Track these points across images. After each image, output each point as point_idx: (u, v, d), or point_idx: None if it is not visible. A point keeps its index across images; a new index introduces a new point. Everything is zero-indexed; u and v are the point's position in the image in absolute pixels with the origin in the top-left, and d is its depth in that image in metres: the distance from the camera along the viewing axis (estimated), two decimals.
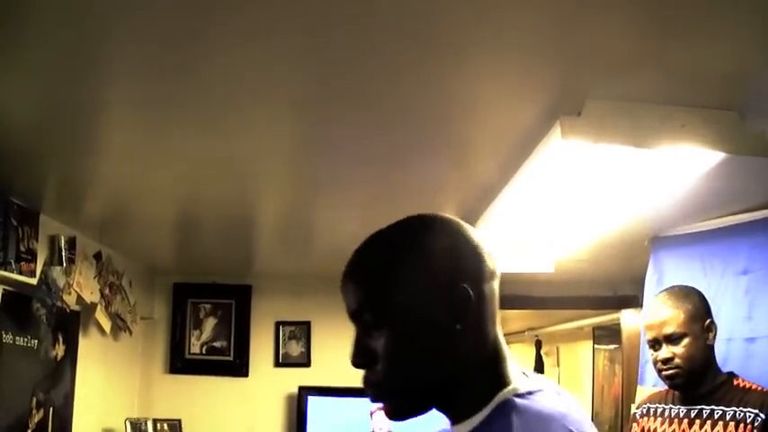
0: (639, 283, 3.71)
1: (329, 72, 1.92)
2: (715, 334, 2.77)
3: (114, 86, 2.03)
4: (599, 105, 1.98)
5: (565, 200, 2.79)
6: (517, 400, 1.23)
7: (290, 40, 1.75)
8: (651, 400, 3.03)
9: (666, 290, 2.97)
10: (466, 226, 1.34)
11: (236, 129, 2.34)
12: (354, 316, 1.32)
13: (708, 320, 2.77)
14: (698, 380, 2.74)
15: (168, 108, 2.18)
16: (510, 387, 1.25)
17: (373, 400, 1.32)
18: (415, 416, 1.31)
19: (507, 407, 1.22)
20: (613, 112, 2.00)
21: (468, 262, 1.28)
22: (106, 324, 4.37)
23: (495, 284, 1.33)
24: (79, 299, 3.93)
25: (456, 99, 2.07)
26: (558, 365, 9.84)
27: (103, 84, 2.01)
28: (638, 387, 3.65)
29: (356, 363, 1.31)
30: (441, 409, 1.33)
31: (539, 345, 9.25)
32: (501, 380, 1.27)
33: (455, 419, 1.30)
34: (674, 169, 2.36)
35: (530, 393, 1.24)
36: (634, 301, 5.41)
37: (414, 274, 1.26)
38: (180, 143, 2.51)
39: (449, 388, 1.28)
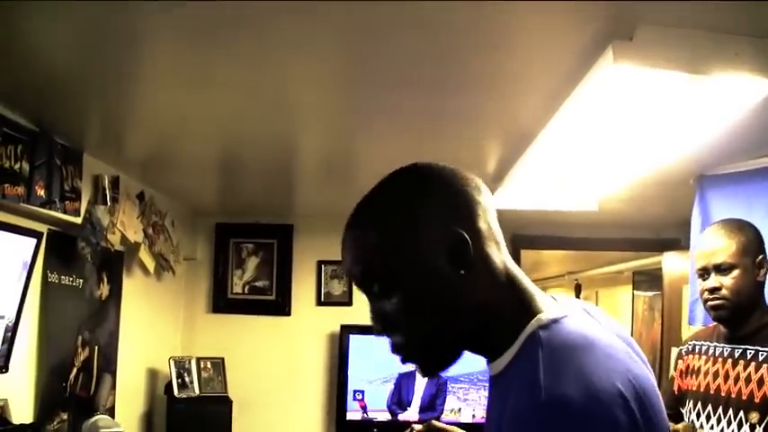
0: (682, 225, 3.70)
1: (376, 5, 1.90)
2: (766, 271, 2.73)
3: (154, 15, 2.01)
4: (652, 30, 1.94)
5: (612, 133, 2.75)
6: (541, 332, 1.21)
7: None
8: (697, 337, 3.01)
9: (721, 221, 2.92)
10: (447, 169, 1.33)
11: (279, 56, 2.31)
12: (361, 285, 1.32)
13: (761, 256, 2.72)
14: (744, 316, 2.71)
15: (209, 37, 2.17)
16: (535, 318, 1.24)
17: (404, 362, 1.32)
18: (448, 368, 1.32)
19: (533, 340, 1.21)
20: (666, 37, 1.96)
21: (457, 205, 1.28)
22: (150, 264, 4.42)
23: (491, 217, 1.31)
24: (123, 238, 3.97)
25: (503, 26, 2.04)
26: None
27: (143, 12, 1.99)
28: (689, 327, 3.63)
29: (377, 330, 1.32)
30: (474, 352, 1.33)
31: (578, 288, 9.23)
32: (527, 310, 1.26)
33: (489, 358, 1.31)
34: (726, 99, 2.32)
35: (554, 322, 1.22)
36: (676, 244, 5.37)
37: (407, 236, 1.26)
38: (221, 73, 2.50)
39: (475, 332, 1.28)
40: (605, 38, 1.98)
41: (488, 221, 1.30)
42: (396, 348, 1.31)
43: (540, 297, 1.30)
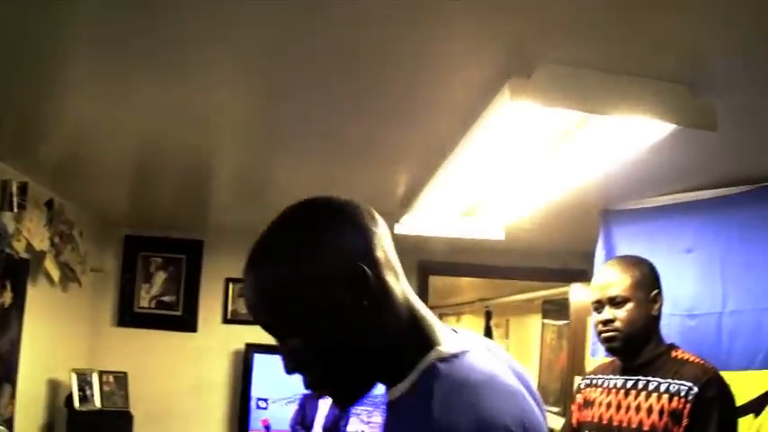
0: (590, 257, 3.76)
1: (291, 25, 1.91)
2: (660, 305, 2.81)
3: (73, 24, 2.00)
4: (550, 69, 1.98)
5: (514, 164, 2.79)
6: (440, 365, 1.22)
7: None
8: (595, 371, 3.08)
9: (618, 256, 3.03)
10: (343, 203, 1.32)
11: (197, 74, 2.32)
12: (267, 330, 1.31)
13: (655, 291, 2.80)
14: (637, 349, 2.78)
15: (128, 49, 2.15)
16: (434, 351, 1.25)
17: (318, 398, 1.33)
18: (363, 397, 1.32)
19: (431, 372, 1.23)
20: (564, 76, 2.00)
21: (355, 239, 1.28)
22: (55, 273, 4.35)
23: (387, 245, 1.32)
24: (29, 246, 3.90)
25: (410, 57, 2.08)
26: (507, 338, 9.93)
27: (62, 21, 1.97)
28: (591, 359, 3.70)
29: (288, 372, 1.31)
30: (383, 382, 1.33)
31: (488, 315, 9.32)
32: (426, 341, 1.27)
33: (388, 384, 1.31)
34: (623, 139, 2.38)
35: (455, 356, 1.24)
36: (583, 275, 5.46)
37: (305, 279, 1.25)
38: (138, 86, 2.48)
39: (380, 362, 1.29)
40: (504, 75, 2.02)
41: (385, 252, 1.30)
42: (308, 385, 1.31)
43: (440, 329, 1.31)
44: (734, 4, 1.70)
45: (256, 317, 1.30)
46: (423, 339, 1.27)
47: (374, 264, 1.27)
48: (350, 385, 1.31)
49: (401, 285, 1.31)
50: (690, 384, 2.58)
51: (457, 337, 1.31)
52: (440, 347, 1.25)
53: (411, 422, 1.20)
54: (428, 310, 1.34)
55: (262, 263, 1.29)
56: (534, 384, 1.36)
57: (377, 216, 1.34)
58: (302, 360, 1.28)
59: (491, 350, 1.37)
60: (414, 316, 1.30)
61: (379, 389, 1.36)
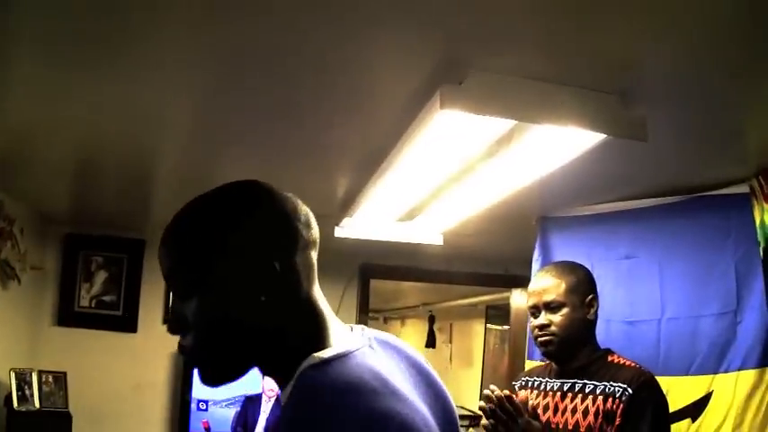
0: (530, 263, 3.81)
1: (233, 26, 1.92)
2: (596, 310, 2.86)
3: (15, 18, 1.97)
4: (480, 77, 2.01)
5: (448, 170, 2.82)
6: (310, 371, 1.25)
7: None
8: (530, 373, 3.12)
9: (554, 262, 3.09)
10: (283, 196, 1.36)
11: (140, 71, 2.30)
12: (167, 280, 1.34)
13: (590, 296, 2.86)
14: (573, 353, 2.83)
15: (69, 46, 2.13)
16: (310, 357, 1.26)
17: (187, 366, 1.35)
18: (228, 382, 1.34)
19: (301, 379, 1.25)
20: (494, 84, 2.02)
21: (276, 234, 1.31)
22: None
23: (311, 252, 1.35)
24: None
25: (345, 62, 2.09)
26: (451, 342, 9.99)
27: (2, 15, 1.95)
28: (527, 361, 3.75)
29: (170, 329, 1.34)
30: (269, 376, 1.36)
31: (432, 320, 9.37)
32: (313, 346, 1.29)
33: (279, 384, 1.34)
34: (555, 147, 2.42)
35: (326, 362, 1.25)
36: (523, 281, 5.51)
37: (219, 248, 1.28)
38: (80, 83, 2.45)
39: (263, 356, 1.32)
40: (436, 82, 2.04)
41: (305, 256, 1.33)
42: (182, 350, 1.33)
43: (336, 332, 1.34)
44: (665, 15, 1.74)
45: (163, 261, 1.33)
46: (310, 345, 1.29)
47: (288, 265, 1.29)
48: (219, 364, 1.33)
49: (312, 292, 1.34)
50: (624, 386, 2.64)
51: (345, 339, 1.33)
52: (316, 354, 1.27)
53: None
54: (334, 317, 1.36)
55: (190, 212, 1.34)
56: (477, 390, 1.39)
57: (312, 222, 1.37)
58: (185, 323, 1.30)
59: (387, 345, 1.42)
60: (311, 323, 1.32)
61: None
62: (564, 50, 1.96)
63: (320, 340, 1.31)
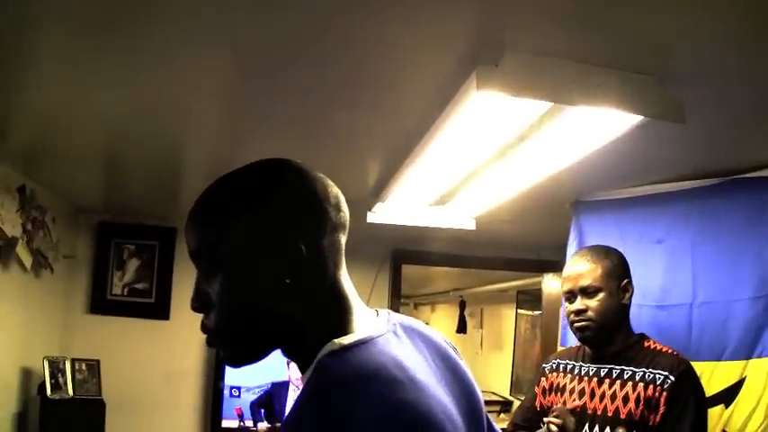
0: (562, 248, 3.78)
1: (260, 7, 1.90)
2: (631, 294, 2.85)
3: (42, 8, 1.98)
4: (517, 58, 1.98)
5: (483, 154, 2.79)
6: (327, 359, 1.23)
7: None
8: (561, 355, 3.10)
9: (588, 246, 3.06)
10: (313, 176, 1.34)
11: (168, 58, 2.29)
12: (193, 258, 1.33)
13: (625, 281, 2.84)
14: (609, 338, 2.82)
15: (99, 32, 2.13)
16: (330, 344, 1.24)
17: (209, 345, 1.34)
18: (249, 363, 1.33)
19: (318, 366, 1.24)
20: (531, 65, 2.00)
21: (304, 214, 1.29)
22: (27, 260, 4.31)
23: (340, 236, 1.33)
24: (0, 232, 3.87)
25: (376, 43, 2.06)
26: (482, 327, 9.97)
27: (30, 5, 1.95)
28: (560, 348, 3.73)
29: (193, 307, 1.33)
30: (291, 360, 1.34)
31: (462, 305, 9.35)
32: (334, 332, 1.26)
33: (300, 368, 1.33)
34: (591, 130, 2.39)
35: (346, 349, 1.23)
36: (556, 265, 5.49)
37: (247, 227, 1.27)
38: (109, 70, 2.44)
39: (285, 339, 1.30)
40: (471, 64, 2.01)
41: (333, 239, 1.31)
42: (204, 329, 1.32)
43: (360, 318, 1.32)
44: None
45: (189, 238, 1.33)
46: (331, 331, 1.27)
47: (316, 249, 1.27)
48: (240, 345, 1.31)
49: (338, 276, 1.32)
50: (665, 373, 2.63)
51: (369, 325, 1.31)
52: (337, 340, 1.25)
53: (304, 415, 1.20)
54: (359, 301, 1.34)
55: (217, 188, 1.33)
56: (507, 377, 1.37)
57: (343, 204, 1.35)
58: (209, 302, 1.30)
59: (412, 330, 1.40)
60: (336, 309, 1.31)
61: None
62: (601, 31, 1.92)
63: (343, 325, 1.29)
